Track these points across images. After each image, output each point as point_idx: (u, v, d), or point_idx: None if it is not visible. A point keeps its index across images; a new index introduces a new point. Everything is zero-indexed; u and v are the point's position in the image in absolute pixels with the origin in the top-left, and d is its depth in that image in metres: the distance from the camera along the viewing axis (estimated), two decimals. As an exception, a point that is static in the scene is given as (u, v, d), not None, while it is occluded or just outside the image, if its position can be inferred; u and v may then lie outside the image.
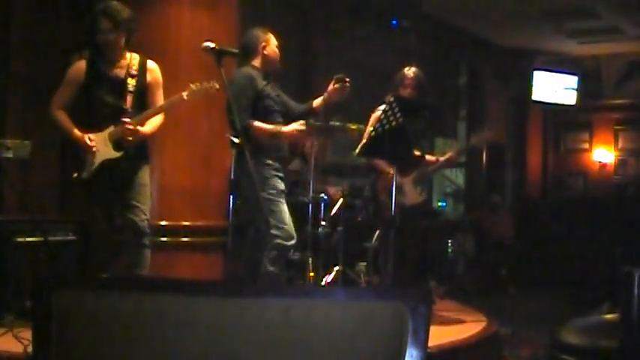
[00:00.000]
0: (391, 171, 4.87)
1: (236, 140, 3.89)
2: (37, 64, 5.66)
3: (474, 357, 4.51)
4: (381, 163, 5.12)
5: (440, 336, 4.29)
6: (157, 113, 4.11)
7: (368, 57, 8.60)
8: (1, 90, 5.50)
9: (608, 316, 3.93)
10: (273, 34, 4.61)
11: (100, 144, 4.03)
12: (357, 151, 4.78)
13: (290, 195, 5.62)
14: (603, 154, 11.82)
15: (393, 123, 4.40)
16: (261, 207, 4.10)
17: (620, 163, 11.77)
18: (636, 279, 2.90)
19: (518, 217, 10.78)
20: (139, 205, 4.10)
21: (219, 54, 3.79)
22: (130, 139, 4.02)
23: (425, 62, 9.34)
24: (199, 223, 5.24)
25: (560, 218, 10.54)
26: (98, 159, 4.03)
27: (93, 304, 1.54)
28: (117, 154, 4.05)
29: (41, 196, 5.49)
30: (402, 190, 5.05)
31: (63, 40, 5.75)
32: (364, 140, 4.77)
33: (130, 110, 4.05)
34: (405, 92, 5.08)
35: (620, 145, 11.81)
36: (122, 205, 4.11)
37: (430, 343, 1.50)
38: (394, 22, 8.66)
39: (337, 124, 5.12)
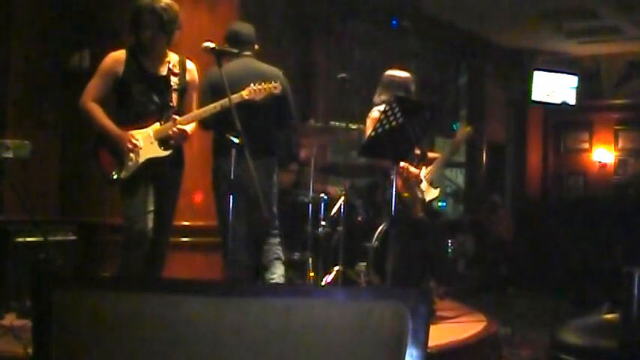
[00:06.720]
0: (406, 166, 4.90)
1: (236, 140, 3.86)
2: (37, 65, 5.66)
3: (473, 357, 4.51)
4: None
5: (440, 336, 4.28)
6: (210, 113, 3.86)
7: (368, 57, 8.60)
8: (1, 90, 5.50)
9: (608, 316, 3.93)
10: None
11: (143, 142, 3.82)
12: (358, 151, 4.79)
13: (290, 195, 5.64)
14: (603, 154, 11.80)
15: (394, 123, 4.39)
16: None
17: (620, 163, 11.75)
18: (636, 279, 2.91)
19: (518, 217, 10.78)
20: (172, 210, 4.02)
21: (219, 54, 3.78)
22: (179, 138, 3.87)
23: (425, 62, 9.37)
24: (199, 223, 5.24)
25: (560, 218, 10.53)
26: (142, 157, 3.81)
27: (93, 304, 1.54)
28: (164, 153, 3.87)
29: (41, 196, 5.49)
30: (420, 187, 5.09)
31: (63, 40, 5.75)
32: (364, 141, 4.77)
33: (176, 108, 3.91)
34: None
35: (620, 145, 11.78)
36: (156, 206, 3.90)
37: (430, 343, 1.50)
38: (394, 22, 8.66)
39: (337, 124, 5.13)
